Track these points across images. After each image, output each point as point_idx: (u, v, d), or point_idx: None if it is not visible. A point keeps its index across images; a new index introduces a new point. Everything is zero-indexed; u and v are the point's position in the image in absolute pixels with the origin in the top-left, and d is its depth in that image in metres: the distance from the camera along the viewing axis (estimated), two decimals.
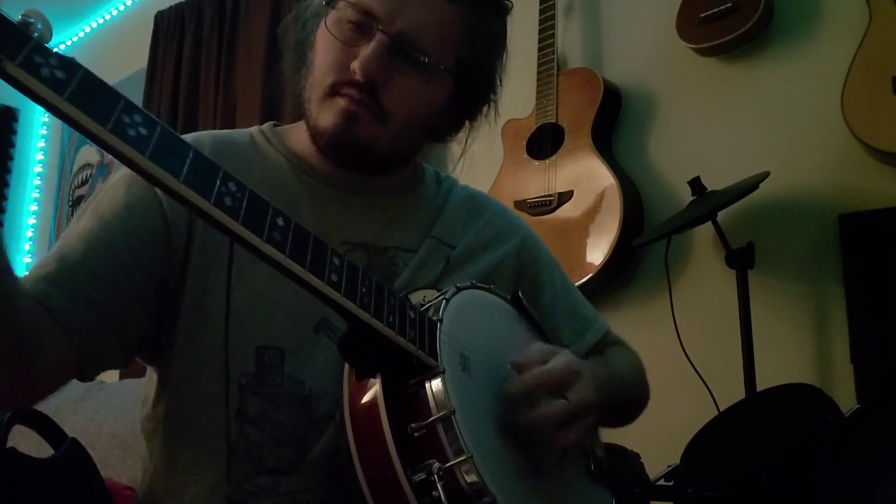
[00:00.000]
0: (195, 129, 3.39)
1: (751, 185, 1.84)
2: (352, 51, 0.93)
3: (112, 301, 0.87)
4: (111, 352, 0.89)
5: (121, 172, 0.96)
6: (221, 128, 3.28)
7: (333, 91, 0.95)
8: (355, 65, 0.92)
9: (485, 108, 1.09)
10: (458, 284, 0.90)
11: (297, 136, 1.06)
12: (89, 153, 4.10)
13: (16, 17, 0.53)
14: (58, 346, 0.82)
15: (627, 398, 1.16)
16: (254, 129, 1.09)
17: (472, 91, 1.04)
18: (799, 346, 1.98)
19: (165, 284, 0.92)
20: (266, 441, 0.91)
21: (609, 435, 1.13)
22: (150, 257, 0.91)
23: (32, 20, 0.53)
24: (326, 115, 0.95)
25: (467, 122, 1.10)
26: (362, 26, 0.94)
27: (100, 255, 0.87)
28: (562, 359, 0.89)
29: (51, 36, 0.54)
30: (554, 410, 0.85)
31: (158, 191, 0.91)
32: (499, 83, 1.08)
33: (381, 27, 0.92)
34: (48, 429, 1.07)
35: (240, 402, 0.91)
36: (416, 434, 0.72)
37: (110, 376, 2.34)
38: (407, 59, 0.94)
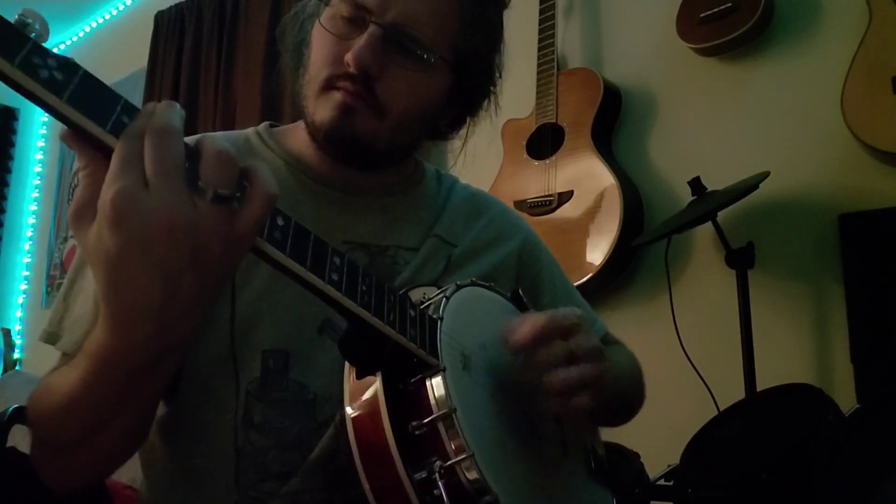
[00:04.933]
0: (195, 129, 3.40)
1: (751, 185, 1.84)
2: (346, 44, 0.93)
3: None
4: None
5: None
6: (221, 128, 3.28)
7: (329, 85, 0.94)
8: (349, 57, 0.91)
9: (485, 103, 1.08)
10: (459, 282, 0.89)
11: (295, 136, 1.06)
12: None
13: (12, 17, 0.53)
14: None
15: (626, 395, 1.16)
16: (250, 131, 1.08)
17: (470, 83, 1.03)
18: (799, 346, 1.98)
19: None
20: (271, 447, 0.90)
21: (609, 435, 1.13)
22: None
23: (30, 20, 0.53)
24: (323, 110, 0.95)
25: (468, 118, 1.10)
26: (355, 19, 0.94)
27: None
28: (565, 309, 0.87)
29: (48, 36, 0.54)
30: (558, 347, 0.82)
31: None
32: (498, 76, 1.08)
33: (373, 19, 0.92)
34: None
35: (245, 409, 0.91)
36: (416, 432, 0.71)
37: None
38: (402, 50, 0.94)
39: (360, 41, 0.92)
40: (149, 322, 0.58)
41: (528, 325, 0.83)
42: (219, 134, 1.06)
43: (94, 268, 0.57)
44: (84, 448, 0.75)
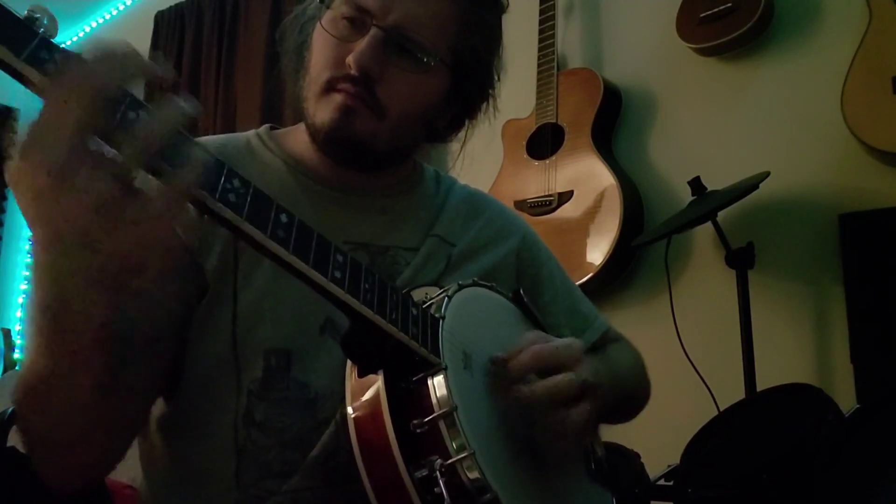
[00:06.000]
0: (195, 130, 3.41)
1: (751, 185, 1.85)
2: (347, 46, 0.94)
3: (157, 343, 0.86)
4: (163, 379, 0.90)
5: None
6: (221, 128, 3.29)
7: (329, 87, 0.95)
8: (350, 59, 0.92)
9: (483, 105, 1.08)
10: (461, 282, 0.90)
11: (296, 138, 1.06)
12: None
13: (21, 12, 0.53)
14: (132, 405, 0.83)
15: (628, 395, 1.16)
16: (250, 133, 1.08)
17: (469, 85, 1.03)
18: (799, 346, 1.98)
19: (198, 301, 0.92)
20: (273, 445, 0.91)
21: (609, 434, 1.13)
22: (182, 287, 0.90)
23: (38, 15, 0.53)
24: (323, 111, 0.95)
25: (467, 121, 1.10)
26: (356, 22, 0.94)
27: None
28: (565, 340, 0.88)
29: (56, 31, 0.54)
30: (555, 382, 0.83)
31: None
32: (496, 78, 1.08)
33: (374, 21, 0.93)
34: None
35: (247, 408, 0.91)
36: (418, 431, 0.72)
37: None
38: (402, 52, 0.94)
39: (362, 43, 0.92)
40: (80, 247, 0.58)
41: (528, 353, 0.84)
42: (217, 138, 1.06)
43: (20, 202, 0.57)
44: (72, 440, 0.74)
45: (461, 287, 0.89)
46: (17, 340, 4.56)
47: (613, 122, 2.36)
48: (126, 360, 0.70)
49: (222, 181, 0.61)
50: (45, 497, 0.87)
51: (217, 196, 0.60)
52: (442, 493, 0.69)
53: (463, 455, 0.71)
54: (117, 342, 0.67)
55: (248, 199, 0.62)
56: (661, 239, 2.06)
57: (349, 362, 0.78)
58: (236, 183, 0.62)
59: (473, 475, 0.71)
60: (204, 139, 1.03)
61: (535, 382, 0.83)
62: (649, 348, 1.30)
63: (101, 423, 0.74)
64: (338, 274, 0.66)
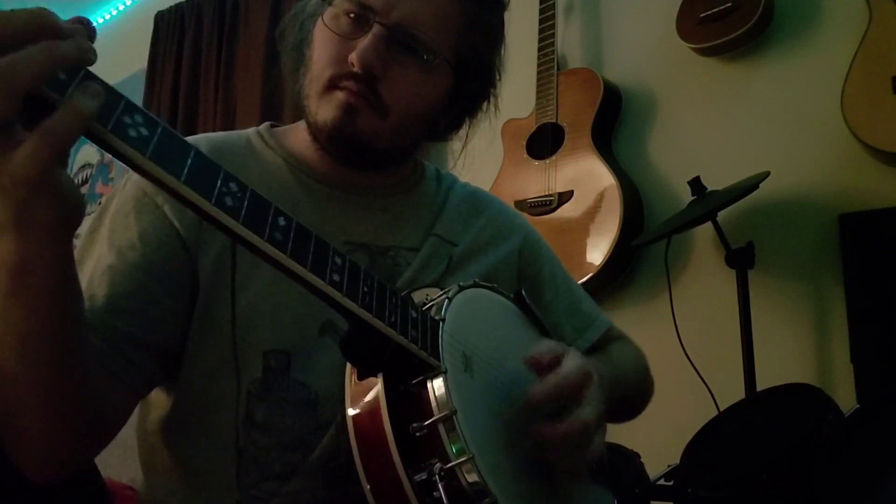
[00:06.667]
0: (195, 130, 3.40)
1: (751, 185, 1.85)
2: (350, 44, 0.93)
3: (147, 331, 0.87)
4: (156, 374, 0.90)
5: (127, 193, 0.95)
6: (221, 128, 3.28)
7: (332, 85, 0.94)
8: (353, 56, 0.91)
9: (484, 104, 1.08)
10: (461, 283, 0.90)
11: (297, 136, 1.05)
12: (89, 153, 4.10)
13: None
14: (113, 391, 0.84)
15: (631, 395, 1.16)
16: (251, 131, 1.08)
17: (471, 85, 1.03)
18: (799, 346, 1.98)
19: (191, 297, 0.92)
20: (273, 446, 0.91)
21: (609, 435, 1.13)
22: (174, 280, 0.91)
23: None
24: (325, 109, 0.95)
25: (467, 120, 1.10)
26: (359, 19, 0.94)
27: (125, 290, 0.87)
28: (574, 361, 0.86)
29: None
30: (570, 427, 0.81)
31: (167, 209, 0.92)
32: (498, 78, 1.08)
33: (378, 19, 0.92)
34: None
35: (247, 409, 0.91)
36: (417, 434, 0.72)
37: None
38: (405, 50, 0.94)
39: (365, 41, 0.92)
40: None
41: (547, 384, 0.82)
42: (217, 135, 1.06)
43: None
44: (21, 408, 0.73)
45: (462, 288, 0.89)
46: None
47: (613, 122, 2.36)
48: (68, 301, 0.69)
49: (219, 185, 0.61)
50: (45, 498, 0.87)
51: (213, 201, 0.60)
52: (441, 496, 0.69)
53: (462, 459, 0.71)
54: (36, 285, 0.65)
55: (245, 202, 0.62)
56: (661, 239, 2.06)
57: (349, 365, 0.78)
58: (233, 186, 0.62)
59: (473, 479, 0.71)
60: (202, 136, 1.03)
61: (550, 424, 0.82)
62: (649, 348, 1.30)
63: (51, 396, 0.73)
64: (336, 277, 0.66)
